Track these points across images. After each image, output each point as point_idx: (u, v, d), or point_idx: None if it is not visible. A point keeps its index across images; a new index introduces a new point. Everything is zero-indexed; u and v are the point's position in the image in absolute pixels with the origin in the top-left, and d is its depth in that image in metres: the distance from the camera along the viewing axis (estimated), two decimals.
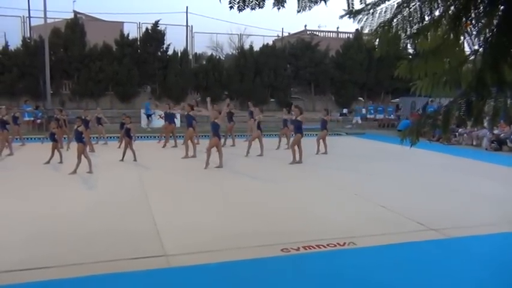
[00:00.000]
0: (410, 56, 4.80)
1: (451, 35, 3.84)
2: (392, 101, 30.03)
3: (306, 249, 5.93)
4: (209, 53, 32.71)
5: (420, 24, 3.88)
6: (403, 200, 8.79)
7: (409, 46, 4.36)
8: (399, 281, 4.91)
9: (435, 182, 10.68)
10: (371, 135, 22.15)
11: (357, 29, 27.44)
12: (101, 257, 5.57)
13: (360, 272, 5.26)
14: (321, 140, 14.97)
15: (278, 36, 34.01)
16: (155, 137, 18.10)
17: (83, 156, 11.04)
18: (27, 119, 21.02)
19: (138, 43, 26.58)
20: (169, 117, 16.55)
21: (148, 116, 23.07)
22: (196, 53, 30.19)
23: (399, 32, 3.97)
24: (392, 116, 26.45)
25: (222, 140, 14.19)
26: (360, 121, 25.49)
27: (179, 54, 27.09)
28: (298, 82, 29.79)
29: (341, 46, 30.11)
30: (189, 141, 13.94)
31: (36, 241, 6.14)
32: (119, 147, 14.35)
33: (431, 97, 15.41)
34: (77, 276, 5.01)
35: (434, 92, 4.18)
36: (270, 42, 31.15)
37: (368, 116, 26.72)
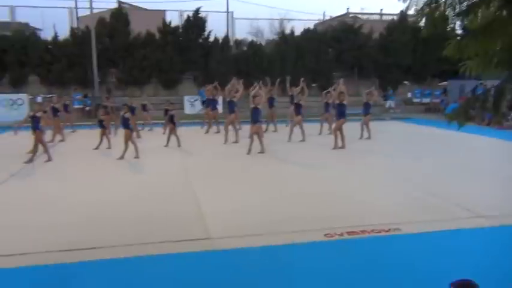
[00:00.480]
0: (458, 37, 4.59)
1: (504, 11, 3.64)
2: (439, 84, 28.91)
3: (350, 234, 5.90)
4: (250, 39, 32.61)
5: (470, 1, 3.70)
6: (451, 186, 8.52)
7: (457, 25, 4.17)
8: (445, 268, 4.77)
9: (485, 168, 10.27)
10: (417, 119, 21.53)
11: (401, 10, 26.50)
12: (147, 239, 5.77)
13: (405, 259, 5.18)
14: (364, 125, 14.70)
15: (320, 20, 33.44)
16: (198, 123, 18.37)
17: (129, 142, 11.40)
18: (76, 106, 21.87)
19: (180, 31, 26.89)
20: (212, 103, 16.72)
21: (204, 102, 23.05)
22: (237, 39, 30.13)
23: (447, 10, 3.80)
24: (439, 100, 25.52)
25: (264, 126, 14.20)
26: (392, 105, 24.72)
27: (220, 41, 27.21)
28: (340, 66, 29.18)
29: (385, 28, 29.18)
30: (231, 127, 14.06)
31: (87, 223, 6.44)
32: (164, 133, 14.69)
33: (481, 79, 14.75)
34: (125, 257, 5.22)
35: (485, 72, 3.98)
36: (312, 27, 30.66)
37: (414, 100, 25.90)
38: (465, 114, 3.91)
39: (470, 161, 11.08)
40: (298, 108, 14.13)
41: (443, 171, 10.00)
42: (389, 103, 24.67)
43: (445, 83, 27.48)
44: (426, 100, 25.88)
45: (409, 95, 26.37)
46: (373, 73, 29.37)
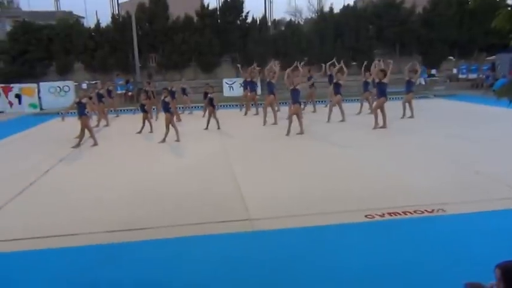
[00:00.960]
0: (509, 8, 4.30)
1: None
2: (487, 58, 27.54)
3: (392, 215, 5.79)
4: (288, 19, 32.19)
5: None
6: (500, 165, 8.15)
7: None
8: (492, 250, 4.60)
9: None
10: (463, 96, 20.67)
11: None
12: (189, 220, 5.91)
13: (450, 241, 5.03)
14: (407, 103, 14.27)
15: None
16: (237, 105, 18.45)
17: (170, 126, 11.62)
18: (119, 91, 22.44)
19: (218, 13, 26.87)
20: (250, 85, 16.70)
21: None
22: (275, 19, 29.86)
23: None
24: (486, 75, 24.34)
25: (302, 106, 14.06)
26: (423, 82, 23.72)
27: (258, 22, 27.00)
28: (381, 43, 28.28)
29: (428, 2, 27.96)
30: (269, 108, 14.02)
31: (132, 205, 6.65)
32: (203, 116, 14.85)
33: None
34: (168, 238, 5.37)
35: None
36: (351, 3, 29.86)
37: (460, 76, 24.84)
38: None
39: None
40: (337, 87, 13.90)
41: (490, 150, 9.59)
42: (420, 80, 23.60)
43: (493, 57, 26.15)
44: (473, 76, 24.72)
45: (455, 71, 25.28)
46: (415, 49, 28.27)
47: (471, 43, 27.09)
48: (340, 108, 13.97)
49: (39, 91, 21.17)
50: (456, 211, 5.90)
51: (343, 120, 13.88)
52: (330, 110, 14.02)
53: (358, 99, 16.34)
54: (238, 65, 17.19)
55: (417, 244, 4.97)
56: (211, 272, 4.51)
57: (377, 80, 12.75)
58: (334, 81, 14.15)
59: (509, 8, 3.96)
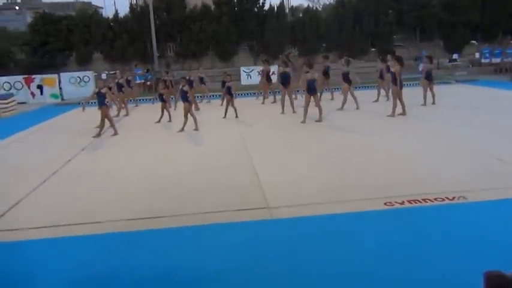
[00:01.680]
0: None
1: None
2: (511, 42, 26.80)
3: (411, 203, 5.73)
4: (306, 5, 31.83)
5: None
6: None
7: None
8: None
9: None
10: (486, 81, 20.18)
11: None
12: (210, 208, 5.96)
13: (472, 228, 4.96)
14: (428, 90, 13.95)
15: None
16: (254, 93, 18.40)
17: (189, 115, 11.67)
18: (138, 81, 22.61)
19: (235, 1, 26.74)
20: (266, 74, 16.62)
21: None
22: (292, 5, 29.72)
23: None
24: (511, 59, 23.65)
25: (318, 94, 13.91)
26: (420, 68, 23.02)
27: (275, 9, 26.79)
28: (401, 28, 27.76)
29: None
30: (287, 97, 13.93)
31: (152, 193, 6.74)
32: (221, 104, 14.88)
33: None
34: (188, 225, 5.44)
35: None
36: None
37: (482, 61, 24.22)
38: None
39: None
40: (344, 76, 13.72)
41: None
42: (421, 66, 22.78)
43: None
44: (496, 60, 24.05)
45: (477, 55, 24.66)
46: (436, 34, 27.67)
47: (494, 26, 26.36)
48: (353, 95, 13.80)
49: (60, 82, 21.50)
50: (478, 198, 5.81)
51: (357, 108, 13.69)
52: (344, 98, 13.86)
53: (375, 86, 16.10)
54: (267, 59, 16.96)
55: (437, 232, 4.92)
56: (229, 259, 4.55)
57: (392, 69, 12.46)
58: (342, 71, 13.94)
59: None
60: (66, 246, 5.08)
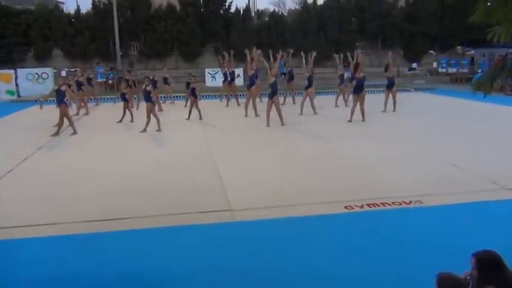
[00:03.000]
0: (489, 3, 4.34)
1: None
2: (467, 53, 28.01)
3: (370, 206, 5.88)
4: (272, 9, 32.09)
5: None
6: (477, 158, 8.35)
7: None
8: (468, 241, 4.71)
9: None
10: (442, 90, 20.97)
11: None
12: (172, 210, 5.90)
13: (427, 231, 5.14)
14: (390, 96, 14.28)
15: None
16: (217, 96, 18.32)
17: (151, 115, 11.50)
18: (99, 80, 22.07)
19: (201, 2, 26.62)
20: (231, 76, 16.62)
21: (283, 74, 22.06)
22: (258, 9, 29.87)
23: None
24: (466, 70, 24.70)
25: (281, 99, 14.02)
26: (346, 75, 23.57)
27: (241, 12, 26.87)
28: (364, 36, 28.52)
29: None
30: (251, 100, 13.96)
31: (112, 194, 6.59)
32: (185, 106, 14.75)
33: (510, 47, 14.11)
34: (151, 227, 5.36)
35: None
36: None
37: (439, 70, 25.19)
38: (490, 83, 3.76)
39: (497, 133, 10.80)
40: (308, 80, 13.89)
41: (467, 143, 9.80)
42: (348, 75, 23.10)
43: (472, 51, 26.58)
44: (453, 70, 25.07)
45: (435, 64, 25.60)
46: (397, 43, 28.58)
47: (451, 37, 27.51)
48: (311, 101, 13.91)
49: (16, 77, 20.66)
50: (433, 203, 6.02)
51: (315, 113, 13.81)
52: (302, 103, 13.99)
53: (336, 92, 16.38)
54: (225, 53, 16.60)
55: (394, 235, 5.07)
56: (191, 261, 4.52)
57: (356, 75, 12.71)
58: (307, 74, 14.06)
59: (489, 4, 4.01)
60: (22, 248, 4.89)
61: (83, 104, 14.93)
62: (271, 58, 14.12)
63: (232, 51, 16.87)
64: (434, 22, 26.99)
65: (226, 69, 16.79)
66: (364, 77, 12.53)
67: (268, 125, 11.92)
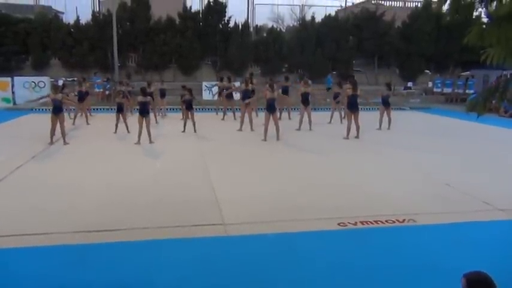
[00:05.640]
0: (484, 26, 4.43)
1: None
2: (462, 74, 28.29)
3: (364, 224, 5.87)
4: (270, 25, 32.41)
5: None
6: (470, 178, 8.37)
7: (482, 13, 4.03)
8: (460, 261, 4.71)
9: (505, 160, 10.06)
10: (437, 110, 21.14)
11: None
12: (164, 223, 5.86)
13: (419, 250, 5.14)
14: (385, 114, 14.36)
15: (341, 6, 32.98)
16: (214, 109, 18.33)
17: (146, 127, 11.45)
18: (97, 90, 22.04)
19: (200, 16, 26.84)
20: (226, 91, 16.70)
21: (328, 88, 21.77)
22: (257, 25, 30.11)
23: None
24: (461, 90, 24.89)
25: (278, 114, 14.05)
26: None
27: (240, 27, 27.09)
28: (361, 54, 28.78)
29: (408, 16, 28.62)
30: (247, 114, 13.99)
31: (106, 206, 6.54)
32: (181, 118, 14.73)
33: (505, 69, 14.27)
34: (143, 240, 5.31)
35: (507, 61, 3.85)
36: (333, 13, 30.30)
37: (435, 90, 25.42)
38: (483, 104, 3.81)
39: (490, 153, 10.86)
40: (303, 98, 13.95)
41: (461, 162, 9.84)
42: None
43: (467, 72, 26.84)
44: (448, 90, 25.29)
45: (430, 84, 25.82)
46: (393, 62, 28.89)
47: (447, 58, 27.84)
48: (309, 117, 13.99)
49: (13, 85, 20.63)
50: (426, 222, 6.02)
51: (310, 129, 13.87)
52: (301, 119, 14.07)
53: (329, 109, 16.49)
54: (221, 77, 16.85)
55: (387, 253, 5.06)
56: (182, 275, 4.48)
57: (350, 93, 12.76)
58: (301, 92, 14.12)
59: (484, 26, 4.08)
60: (11, 258, 4.83)
61: (82, 113, 14.98)
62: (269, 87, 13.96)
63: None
64: (430, 42, 27.32)
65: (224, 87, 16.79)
66: (357, 95, 12.59)
67: (265, 139, 11.93)
